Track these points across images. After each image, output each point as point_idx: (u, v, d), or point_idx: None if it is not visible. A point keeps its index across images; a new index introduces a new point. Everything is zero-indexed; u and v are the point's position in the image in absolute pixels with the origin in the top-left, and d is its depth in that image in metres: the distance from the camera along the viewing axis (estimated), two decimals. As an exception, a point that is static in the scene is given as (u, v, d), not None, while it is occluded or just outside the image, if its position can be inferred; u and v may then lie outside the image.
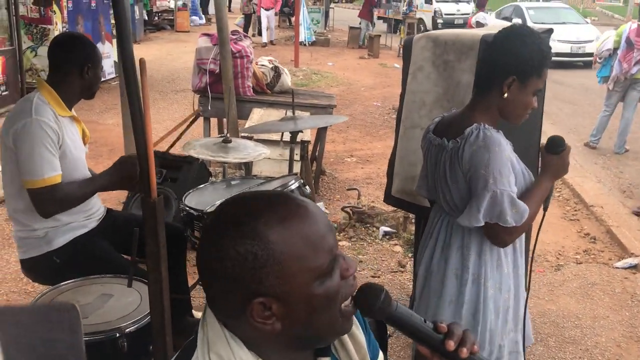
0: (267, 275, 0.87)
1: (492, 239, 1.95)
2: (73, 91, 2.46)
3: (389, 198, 3.27)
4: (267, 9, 16.90)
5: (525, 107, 1.92)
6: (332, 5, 22.94)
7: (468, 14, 15.08)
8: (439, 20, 19.06)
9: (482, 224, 1.88)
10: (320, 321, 0.93)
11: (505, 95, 1.89)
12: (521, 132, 2.48)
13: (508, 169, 1.86)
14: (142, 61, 1.56)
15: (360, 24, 18.01)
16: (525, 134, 2.67)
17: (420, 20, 18.87)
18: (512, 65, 1.86)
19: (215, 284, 0.91)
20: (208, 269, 0.91)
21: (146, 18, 18.10)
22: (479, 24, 12.07)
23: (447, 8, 20.08)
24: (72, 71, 2.43)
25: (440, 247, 2.08)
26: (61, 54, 2.46)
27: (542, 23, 12.99)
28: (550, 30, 2.86)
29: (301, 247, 0.89)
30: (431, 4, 20.06)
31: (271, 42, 17.18)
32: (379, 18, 20.58)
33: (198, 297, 3.52)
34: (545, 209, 2.05)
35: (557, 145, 1.98)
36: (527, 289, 2.17)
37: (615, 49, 7.10)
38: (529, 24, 11.02)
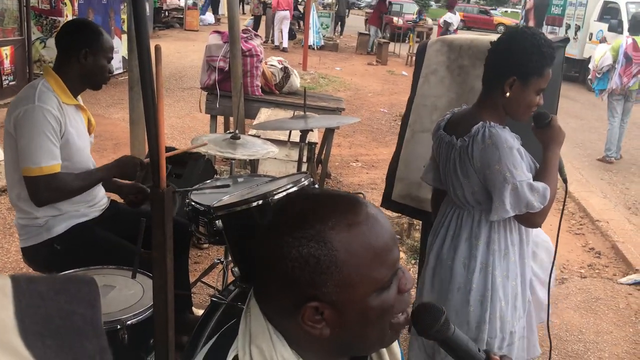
0: (325, 282, 0.84)
1: (525, 224, 2.03)
2: (74, 77, 2.40)
3: (388, 203, 3.22)
4: (283, 10, 16.50)
5: (529, 106, 1.98)
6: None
7: None
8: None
9: (512, 214, 1.93)
10: (370, 332, 0.90)
11: (507, 94, 1.96)
12: (534, 142, 2.46)
13: (519, 160, 1.92)
14: (157, 48, 1.53)
15: (369, 30, 18.01)
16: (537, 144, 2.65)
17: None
18: (512, 66, 1.93)
19: (270, 280, 0.88)
20: (265, 265, 0.88)
21: (149, 14, 18.08)
22: (446, 23, 12.92)
23: None
24: (72, 56, 2.38)
25: (450, 237, 2.14)
26: (63, 38, 2.43)
27: None
28: (566, 40, 2.84)
29: (365, 257, 0.85)
30: (620, 32, 12.08)
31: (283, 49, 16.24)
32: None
33: (199, 293, 3.49)
34: (565, 182, 2.15)
35: (543, 118, 2.05)
36: (548, 302, 2.23)
37: (614, 63, 7.52)
38: None
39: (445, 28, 13.76)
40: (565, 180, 2.12)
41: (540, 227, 2.08)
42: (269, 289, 0.89)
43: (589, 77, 8.37)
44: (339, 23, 21.64)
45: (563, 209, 2.27)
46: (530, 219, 1.98)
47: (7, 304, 0.44)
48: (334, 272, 0.84)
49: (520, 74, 1.92)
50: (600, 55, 7.82)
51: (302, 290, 0.85)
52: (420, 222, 3.63)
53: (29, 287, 0.45)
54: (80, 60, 2.38)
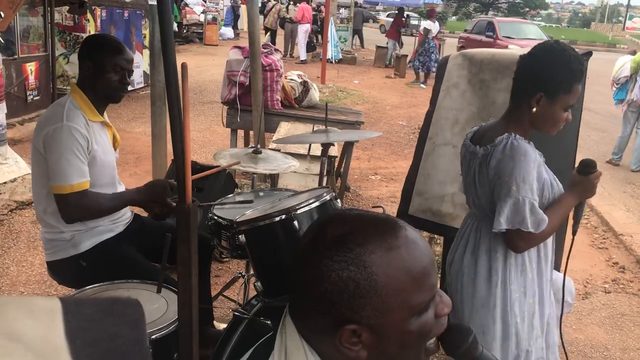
0: (364, 306, 0.83)
1: (508, 243, 1.98)
2: (90, 91, 2.42)
3: (404, 218, 3.17)
4: (306, 23, 16.99)
5: (556, 122, 1.95)
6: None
7: None
8: None
9: (504, 229, 1.91)
10: (407, 356, 0.89)
11: (534, 110, 1.93)
12: (556, 153, 2.46)
13: (532, 177, 1.89)
14: (184, 66, 1.55)
15: (387, 43, 18.05)
16: (560, 154, 2.63)
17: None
18: (539, 82, 1.91)
19: (307, 302, 0.87)
20: (303, 286, 0.88)
21: (176, 30, 18.35)
22: (425, 30, 14.25)
23: None
24: (80, 69, 2.44)
25: (471, 250, 2.11)
26: (79, 53, 2.49)
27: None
28: (589, 54, 2.81)
29: (404, 282, 0.84)
30: None
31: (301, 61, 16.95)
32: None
33: (219, 307, 3.50)
34: (574, 233, 2.10)
35: (588, 167, 2.00)
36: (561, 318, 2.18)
37: (632, 75, 7.71)
38: None
39: (425, 35, 14.37)
40: (574, 233, 2.09)
41: (519, 253, 2.02)
42: (306, 309, 0.88)
43: (612, 88, 8.43)
44: (356, 36, 21.74)
45: (569, 255, 2.15)
46: (515, 240, 1.94)
47: (58, 325, 0.45)
48: (372, 296, 0.83)
49: (547, 91, 1.89)
50: (619, 66, 7.91)
51: (340, 313, 0.84)
52: (442, 236, 3.61)
53: (78, 309, 0.46)
54: (84, 73, 2.42)
